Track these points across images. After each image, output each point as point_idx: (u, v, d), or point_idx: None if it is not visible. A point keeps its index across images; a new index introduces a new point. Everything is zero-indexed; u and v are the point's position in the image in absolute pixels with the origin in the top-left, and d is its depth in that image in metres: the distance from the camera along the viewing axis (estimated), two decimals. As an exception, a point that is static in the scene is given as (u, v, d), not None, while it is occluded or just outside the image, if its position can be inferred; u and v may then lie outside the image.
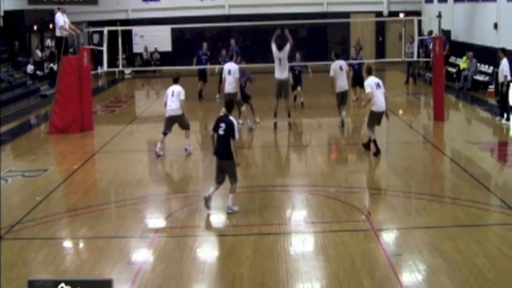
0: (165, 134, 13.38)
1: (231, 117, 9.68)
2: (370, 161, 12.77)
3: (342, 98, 15.48)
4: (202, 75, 20.69)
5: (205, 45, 20.82)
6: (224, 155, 9.52)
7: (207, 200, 9.56)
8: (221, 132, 9.53)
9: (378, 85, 12.70)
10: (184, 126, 13.50)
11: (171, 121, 13.34)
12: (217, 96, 19.96)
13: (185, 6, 29.71)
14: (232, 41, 21.91)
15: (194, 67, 20.37)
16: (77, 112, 16.04)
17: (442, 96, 16.64)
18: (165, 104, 13.26)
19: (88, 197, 10.80)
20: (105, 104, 21.84)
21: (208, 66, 20.32)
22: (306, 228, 8.96)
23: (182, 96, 13.18)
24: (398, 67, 26.30)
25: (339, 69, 15.50)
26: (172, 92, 13.19)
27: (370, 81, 12.75)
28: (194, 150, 14.00)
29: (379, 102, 12.68)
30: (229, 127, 9.49)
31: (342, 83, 15.44)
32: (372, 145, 12.73)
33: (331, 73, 15.47)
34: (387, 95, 13.21)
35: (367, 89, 12.72)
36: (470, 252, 7.68)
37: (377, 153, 12.70)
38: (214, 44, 24.10)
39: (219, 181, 9.67)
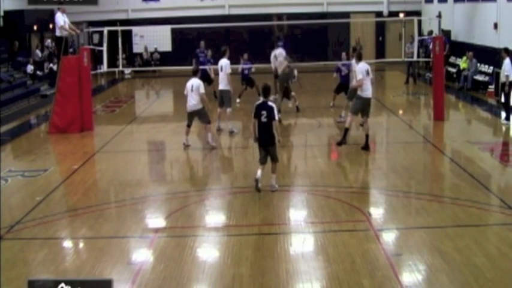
0: (188, 126, 13.82)
1: (270, 102, 10.26)
2: (370, 161, 12.78)
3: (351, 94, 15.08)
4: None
5: (202, 43, 20.92)
6: (270, 142, 10.22)
7: (258, 182, 10.28)
8: (264, 119, 10.13)
9: (367, 72, 12.88)
10: (204, 120, 13.75)
11: (191, 115, 13.72)
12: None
13: (185, 6, 29.72)
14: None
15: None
16: (77, 112, 16.04)
17: (442, 96, 16.64)
18: (187, 97, 13.63)
19: (88, 197, 10.80)
20: (105, 104, 21.85)
21: (207, 67, 20.24)
22: (306, 228, 8.96)
23: (202, 90, 13.42)
24: (399, 67, 26.30)
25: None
26: (192, 87, 13.43)
27: (361, 68, 12.88)
28: (193, 150, 14.01)
29: (367, 89, 12.86)
30: (270, 112, 10.10)
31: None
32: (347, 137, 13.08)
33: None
34: (374, 81, 13.52)
35: (359, 76, 12.86)
36: (470, 252, 7.68)
37: (341, 143, 13.02)
38: (215, 43, 24.07)
39: (264, 162, 10.39)
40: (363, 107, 13.01)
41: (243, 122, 16.92)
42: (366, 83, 12.85)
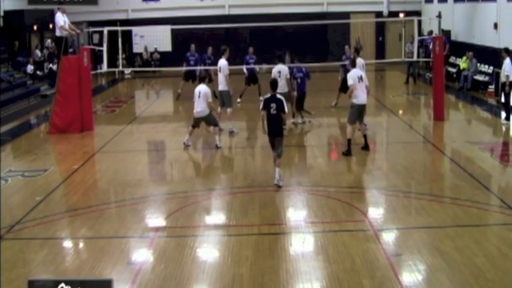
0: (193, 127, 13.91)
1: (279, 96, 10.73)
2: (370, 161, 12.77)
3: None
4: (188, 76, 20.67)
5: (192, 46, 20.83)
6: (278, 132, 10.70)
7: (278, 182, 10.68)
8: (273, 111, 10.58)
9: (360, 78, 12.77)
10: (210, 124, 13.79)
11: (198, 121, 13.80)
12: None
13: (185, 6, 29.73)
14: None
15: (184, 68, 20.52)
16: (77, 112, 16.04)
17: (442, 96, 16.64)
18: (194, 103, 13.70)
19: (88, 197, 10.80)
20: (105, 104, 21.85)
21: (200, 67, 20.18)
22: (306, 228, 8.96)
23: (209, 99, 13.51)
24: (399, 67, 26.30)
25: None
26: (199, 93, 13.49)
27: (353, 74, 12.78)
28: (193, 150, 14.03)
29: (360, 95, 12.76)
30: (280, 104, 10.58)
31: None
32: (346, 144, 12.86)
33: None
34: (369, 88, 13.39)
35: (350, 81, 12.75)
36: (470, 252, 7.68)
37: (347, 153, 12.77)
38: (215, 43, 24.06)
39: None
40: (358, 114, 12.90)
41: (246, 122, 16.91)
42: (358, 89, 12.69)
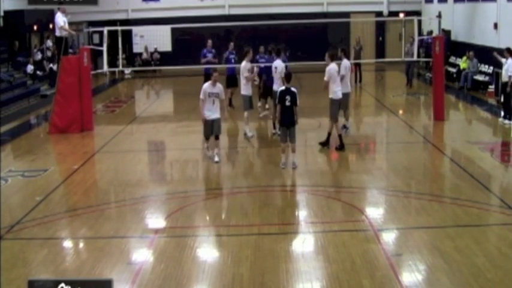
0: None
1: (293, 88, 11.51)
2: (370, 161, 12.78)
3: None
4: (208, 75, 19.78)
5: (210, 42, 19.28)
6: (291, 122, 11.52)
7: (285, 165, 11.71)
8: (288, 103, 11.41)
9: (338, 72, 13.00)
10: (216, 132, 12.64)
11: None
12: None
13: (185, 6, 29.73)
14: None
15: (202, 66, 18.91)
16: (77, 112, 16.03)
17: (442, 96, 16.64)
18: None
19: (88, 197, 10.80)
20: (105, 104, 21.84)
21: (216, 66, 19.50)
22: (306, 228, 8.96)
23: (221, 96, 12.35)
24: (399, 67, 26.29)
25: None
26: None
27: (331, 69, 12.84)
28: (193, 150, 14.01)
29: (337, 90, 12.97)
30: (294, 97, 11.43)
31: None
32: (336, 139, 13.14)
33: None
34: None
35: (326, 76, 12.88)
36: (470, 252, 7.68)
37: (340, 147, 13.00)
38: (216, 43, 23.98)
39: (285, 140, 11.68)
40: (339, 108, 13.01)
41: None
42: (336, 83, 12.87)
